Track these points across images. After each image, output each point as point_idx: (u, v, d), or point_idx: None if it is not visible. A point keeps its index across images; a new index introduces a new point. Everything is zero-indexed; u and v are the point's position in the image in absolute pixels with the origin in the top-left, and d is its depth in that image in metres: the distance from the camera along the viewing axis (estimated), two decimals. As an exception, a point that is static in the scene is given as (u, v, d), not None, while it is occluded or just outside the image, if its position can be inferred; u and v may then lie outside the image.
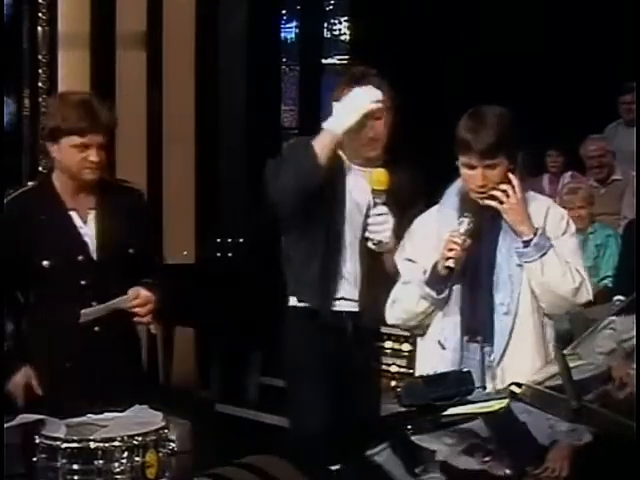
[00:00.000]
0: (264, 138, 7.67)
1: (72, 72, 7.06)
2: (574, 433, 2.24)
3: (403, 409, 2.49)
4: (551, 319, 3.07)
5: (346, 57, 9.09)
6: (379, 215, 3.26)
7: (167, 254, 7.47)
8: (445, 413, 2.43)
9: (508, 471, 2.14)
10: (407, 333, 7.28)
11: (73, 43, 7.13)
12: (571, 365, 2.36)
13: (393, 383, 6.42)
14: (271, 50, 8.48)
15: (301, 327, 3.46)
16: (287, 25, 9.10)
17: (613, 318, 2.74)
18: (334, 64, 9.14)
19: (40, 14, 6.87)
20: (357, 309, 3.42)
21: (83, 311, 2.99)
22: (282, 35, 8.96)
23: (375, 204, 3.28)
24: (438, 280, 2.95)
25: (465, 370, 2.63)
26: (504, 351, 2.93)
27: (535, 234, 2.93)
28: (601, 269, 5.60)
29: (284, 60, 8.92)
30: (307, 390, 3.42)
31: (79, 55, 7.17)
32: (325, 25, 9.36)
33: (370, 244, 3.29)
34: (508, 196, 2.94)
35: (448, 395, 2.48)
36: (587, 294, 3.02)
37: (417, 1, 8.01)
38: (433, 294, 2.97)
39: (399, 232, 3.21)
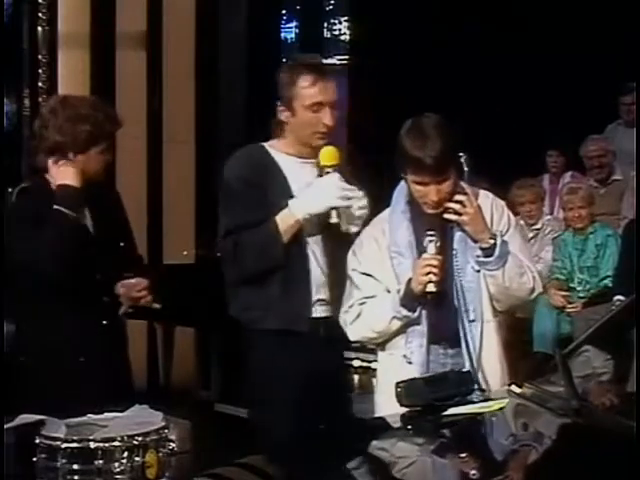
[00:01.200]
0: (264, 138, 7.66)
1: (72, 72, 7.06)
2: (574, 433, 2.23)
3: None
4: (504, 316, 3.05)
5: (346, 57, 9.09)
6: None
7: (167, 254, 7.53)
8: (445, 413, 2.43)
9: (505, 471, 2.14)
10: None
11: (73, 43, 7.13)
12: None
13: (374, 381, 6.41)
14: (271, 50, 8.48)
15: (275, 348, 3.29)
16: (287, 25, 9.11)
17: (588, 347, 2.73)
18: (334, 64, 9.14)
19: (40, 14, 6.88)
20: (329, 313, 3.28)
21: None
22: (282, 35, 8.97)
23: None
24: (414, 300, 2.89)
25: (465, 370, 2.63)
26: (478, 358, 2.89)
27: (495, 242, 2.89)
28: (601, 269, 5.60)
29: (284, 60, 8.92)
30: (285, 405, 3.26)
31: (79, 55, 7.17)
32: (325, 25, 9.36)
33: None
34: (465, 206, 2.89)
35: (448, 395, 2.49)
36: (538, 288, 3.01)
37: (417, 1, 8.01)
38: (410, 314, 2.90)
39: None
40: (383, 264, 2.96)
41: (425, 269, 2.85)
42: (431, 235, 2.87)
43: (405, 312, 2.90)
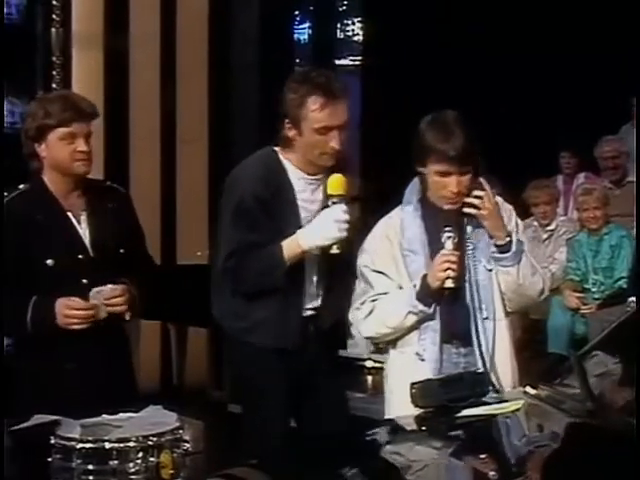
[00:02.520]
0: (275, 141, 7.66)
1: (86, 73, 7.08)
2: (588, 434, 2.23)
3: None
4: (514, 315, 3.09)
5: (359, 58, 9.08)
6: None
7: (181, 255, 7.54)
8: (459, 414, 2.43)
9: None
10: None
11: (87, 44, 7.15)
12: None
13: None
14: (284, 51, 8.48)
15: (264, 361, 3.30)
16: (300, 26, 9.10)
17: (598, 352, 2.72)
18: (347, 65, 9.13)
19: (54, 15, 6.90)
20: (318, 320, 3.29)
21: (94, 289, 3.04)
22: (295, 36, 8.97)
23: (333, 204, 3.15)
24: (431, 295, 2.90)
25: (479, 371, 2.62)
26: (492, 357, 2.89)
27: (511, 238, 2.92)
28: (616, 270, 5.58)
29: (297, 61, 8.92)
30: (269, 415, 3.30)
31: (93, 56, 7.19)
32: (338, 26, 9.36)
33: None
34: (484, 201, 2.92)
35: (462, 396, 2.48)
36: (547, 290, 3.05)
37: (430, 2, 8.00)
38: (425, 309, 2.90)
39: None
40: (396, 262, 2.97)
41: (444, 265, 2.86)
42: (448, 230, 2.89)
43: (421, 307, 2.90)
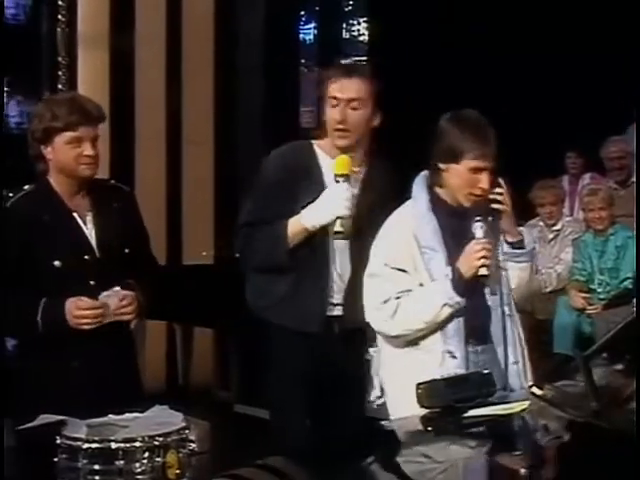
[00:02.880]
0: (283, 139, 7.67)
1: (92, 74, 7.09)
2: (594, 434, 2.22)
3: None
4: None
5: (365, 57, 9.08)
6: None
7: (186, 255, 7.55)
8: (466, 415, 2.42)
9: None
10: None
11: (92, 45, 7.16)
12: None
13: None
14: (290, 51, 8.49)
15: (284, 343, 3.32)
16: (306, 26, 9.11)
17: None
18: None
19: (60, 16, 6.91)
20: (342, 312, 3.30)
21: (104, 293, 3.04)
22: (301, 36, 8.97)
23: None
24: (465, 286, 2.90)
25: (486, 372, 2.62)
26: (514, 353, 2.95)
27: (522, 236, 2.98)
28: (621, 270, 5.57)
29: (303, 61, 8.92)
30: (290, 399, 3.31)
31: (99, 56, 7.20)
32: (344, 26, 9.36)
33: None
34: (504, 199, 2.97)
35: (469, 397, 2.48)
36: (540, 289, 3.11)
37: (436, 2, 8.00)
38: (461, 301, 2.90)
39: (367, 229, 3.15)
40: (414, 259, 2.97)
41: (478, 253, 2.88)
42: (478, 220, 2.92)
43: (457, 298, 2.89)
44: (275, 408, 3.45)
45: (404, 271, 2.98)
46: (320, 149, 3.34)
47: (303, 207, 3.24)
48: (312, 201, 3.23)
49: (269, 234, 3.25)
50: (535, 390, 2.52)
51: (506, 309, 2.95)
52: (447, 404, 2.45)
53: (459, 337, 2.92)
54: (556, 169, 7.04)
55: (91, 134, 3.09)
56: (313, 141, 3.38)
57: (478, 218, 2.91)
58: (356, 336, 3.25)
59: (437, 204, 3.00)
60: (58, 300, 3.01)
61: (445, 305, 2.91)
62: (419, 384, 2.53)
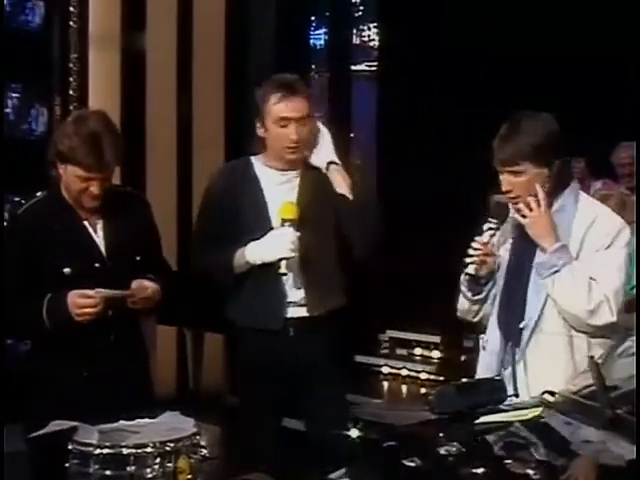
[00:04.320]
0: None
1: (103, 80, 7.11)
2: (607, 442, 2.21)
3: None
4: (583, 333, 2.95)
5: (375, 63, 9.08)
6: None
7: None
8: (477, 421, 2.41)
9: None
10: (437, 340, 7.31)
11: (104, 50, 7.18)
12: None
13: (422, 390, 6.41)
14: (300, 56, 8.49)
15: (251, 344, 3.53)
16: (316, 31, 9.11)
17: (629, 344, 2.67)
18: (363, 70, 9.13)
19: (71, 22, 6.93)
20: (305, 313, 3.46)
21: (97, 290, 3.03)
22: (311, 41, 8.97)
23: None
24: (471, 282, 3.02)
25: (497, 378, 2.61)
26: (520, 363, 2.94)
27: (549, 251, 2.89)
28: (633, 277, 5.54)
29: (313, 66, 8.93)
30: (258, 399, 3.49)
31: (110, 62, 7.22)
32: (354, 31, 9.35)
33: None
34: (531, 209, 2.90)
35: (480, 403, 2.47)
36: (608, 316, 2.89)
37: (446, 7, 7.99)
38: (469, 295, 3.05)
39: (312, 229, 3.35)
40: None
41: (470, 251, 2.97)
42: (490, 222, 2.97)
43: (465, 291, 3.06)
44: (244, 406, 3.62)
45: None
46: (257, 161, 3.53)
47: (245, 218, 3.43)
48: (252, 210, 3.44)
49: (215, 262, 3.47)
50: (546, 396, 2.51)
51: (525, 320, 2.93)
52: (458, 410, 2.44)
53: (493, 332, 3.01)
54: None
55: (100, 176, 3.09)
56: (251, 157, 3.56)
57: (491, 220, 2.98)
58: (317, 334, 3.45)
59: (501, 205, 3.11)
60: (61, 295, 3.02)
61: (462, 297, 3.10)
62: (430, 391, 2.53)
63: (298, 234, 3.35)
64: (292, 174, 3.49)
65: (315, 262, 3.43)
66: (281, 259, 3.34)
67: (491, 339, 3.01)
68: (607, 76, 7.31)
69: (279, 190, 3.45)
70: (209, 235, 3.49)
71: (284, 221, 3.36)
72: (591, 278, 2.88)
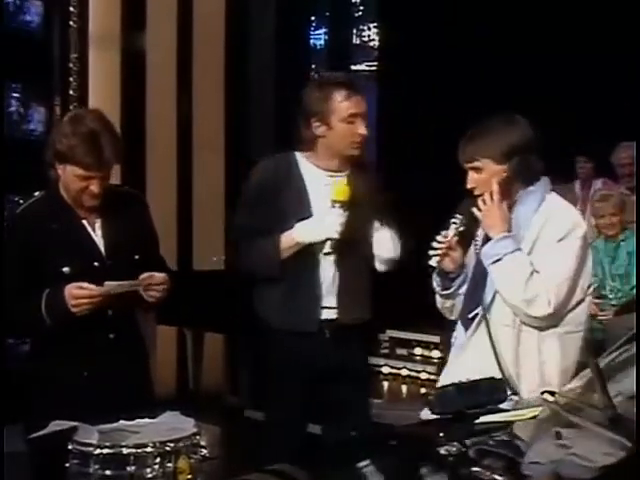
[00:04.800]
0: (293, 144, 7.67)
1: (103, 80, 7.11)
2: (608, 442, 2.21)
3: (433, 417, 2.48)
4: (532, 328, 2.96)
5: (375, 63, 9.08)
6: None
7: (197, 260, 7.55)
8: (477, 421, 2.42)
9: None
10: (437, 340, 7.31)
11: (103, 50, 7.18)
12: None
13: (423, 390, 6.41)
14: (300, 56, 8.50)
15: (281, 346, 3.49)
16: (316, 31, 9.11)
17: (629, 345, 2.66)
18: (363, 70, 9.13)
19: (71, 22, 6.94)
20: (335, 315, 3.46)
21: (106, 283, 3.01)
22: (311, 41, 8.98)
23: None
24: (440, 276, 3.13)
25: (498, 378, 2.62)
26: (507, 362, 2.94)
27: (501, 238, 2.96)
28: (633, 276, 5.56)
29: (313, 66, 8.93)
30: (287, 401, 3.48)
31: (110, 62, 7.22)
32: (354, 31, 9.36)
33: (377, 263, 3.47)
34: (485, 202, 2.99)
35: (480, 403, 2.47)
36: (545, 307, 2.88)
37: (446, 7, 7.99)
38: (438, 290, 3.16)
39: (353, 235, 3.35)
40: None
41: (433, 244, 3.05)
42: (456, 218, 3.05)
43: (435, 285, 3.18)
44: (273, 409, 3.59)
45: None
46: (305, 159, 3.50)
47: (287, 217, 3.40)
48: (295, 210, 3.41)
49: (263, 247, 3.42)
50: (547, 396, 2.51)
51: (474, 311, 3.01)
52: (458, 410, 2.45)
53: (460, 327, 3.09)
54: (568, 174, 7.02)
55: (100, 174, 3.08)
56: (297, 152, 3.52)
57: (457, 216, 3.05)
58: (350, 337, 3.46)
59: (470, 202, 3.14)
60: (59, 289, 3.02)
61: (435, 291, 3.20)
62: (429, 391, 2.54)
63: (347, 215, 3.34)
64: (339, 176, 3.46)
65: (350, 268, 3.45)
66: (327, 239, 3.35)
67: (459, 335, 3.07)
68: (607, 76, 7.31)
69: (325, 192, 3.41)
70: (250, 228, 3.46)
71: (335, 202, 3.34)
72: (535, 270, 2.91)
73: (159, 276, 3.12)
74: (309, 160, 3.48)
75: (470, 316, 3.01)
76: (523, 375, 2.92)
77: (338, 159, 3.45)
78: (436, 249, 3.04)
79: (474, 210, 3.03)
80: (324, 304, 3.44)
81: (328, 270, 3.43)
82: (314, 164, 3.47)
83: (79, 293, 2.99)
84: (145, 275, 3.09)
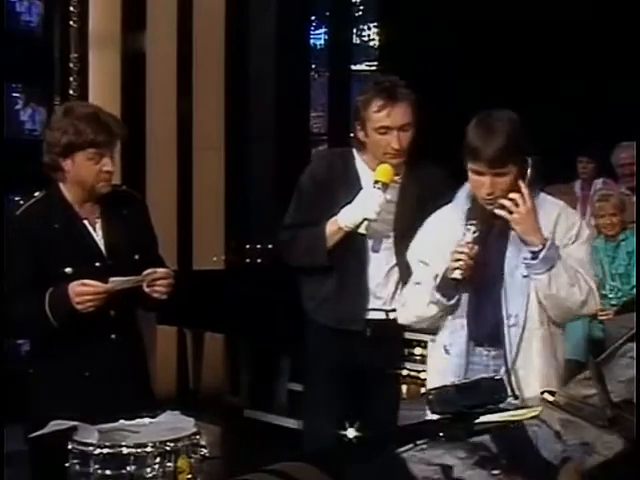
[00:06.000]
0: (293, 144, 7.69)
1: (103, 80, 7.11)
2: (608, 442, 2.21)
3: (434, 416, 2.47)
4: (559, 328, 3.03)
5: (375, 63, 9.09)
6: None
7: (197, 260, 7.56)
8: (477, 421, 2.41)
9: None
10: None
11: (104, 50, 7.19)
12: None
13: (423, 390, 6.40)
14: (300, 56, 8.50)
15: (324, 340, 3.50)
16: (316, 31, 9.12)
17: (630, 345, 2.67)
18: (363, 70, 9.14)
19: (71, 22, 6.94)
20: (384, 316, 3.46)
21: (111, 279, 3.01)
22: (311, 41, 8.98)
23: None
24: (448, 286, 2.93)
25: (497, 378, 2.61)
26: (513, 362, 2.91)
27: (544, 245, 2.88)
28: (633, 276, 5.56)
29: (313, 66, 8.93)
30: (326, 398, 3.47)
31: (110, 62, 7.22)
32: (354, 31, 9.36)
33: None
34: (517, 205, 2.89)
35: (480, 403, 2.47)
36: (595, 304, 2.98)
37: (446, 6, 8.00)
38: (443, 300, 2.95)
39: (410, 232, 3.22)
40: (441, 254, 2.98)
41: (455, 255, 2.88)
42: (471, 224, 2.91)
43: (439, 296, 2.94)
44: (312, 405, 3.58)
45: (426, 263, 3.05)
46: (360, 159, 3.49)
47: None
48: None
49: (310, 235, 3.42)
50: (546, 396, 2.51)
51: (512, 320, 2.91)
52: (458, 410, 2.44)
53: (459, 335, 2.96)
54: (568, 174, 7.03)
55: (112, 150, 3.11)
56: (354, 150, 3.51)
57: (472, 222, 2.91)
58: (392, 337, 3.46)
59: (476, 206, 2.99)
60: (62, 287, 3.02)
61: (430, 302, 2.97)
62: (429, 390, 2.52)
63: (387, 197, 3.33)
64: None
65: (400, 270, 3.41)
66: (365, 219, 3.31)
67: (456, 343, 2.96)
68: (607, 76, 7.31)
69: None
70: (302, 222, 3.46)
71: (377, 182, 3.33)
72: (577, 271, 2.93)
73: (162, 271, 3.12)
74: (362, 158, 3.48)
75: (511, 323, 2.91)
76: (545, 375, 2.94)
77: (380, 163, 3.42)
78: (459, 260, 2.87)
79: (501, 214, 2.92)
80: (371, 302, 3.45)
81: (376, 267, 3.43)
82: (365, 163, 3.47)
83: (83, 290, 3.00)
84: (149, 270, 3.09)
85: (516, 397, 2.73)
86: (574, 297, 2.92)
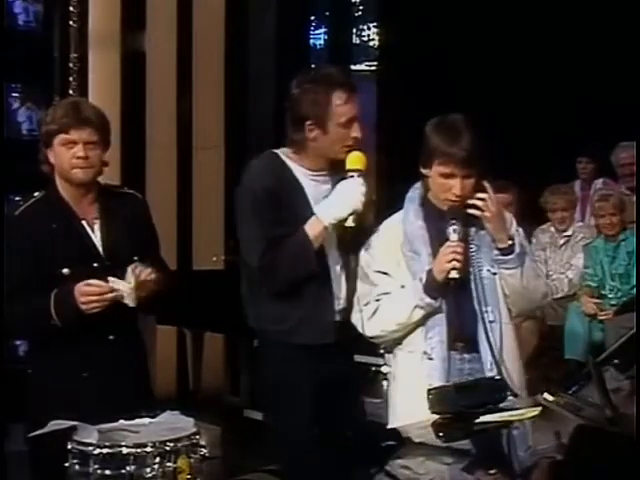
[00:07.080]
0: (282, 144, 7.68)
1: (102, 80, 7.12)
2: (607, 442, 2.21)
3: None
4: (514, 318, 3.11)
5: (375, 63, 9.09)
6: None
7: (197, 260, 7.56)
8: (476, 421, 2.42)
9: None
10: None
11: (103, 51, 7.19)
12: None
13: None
14: (300, 56, 8.50)
15: (296, 359, 3.30)
16: (316, 31, 9.12)
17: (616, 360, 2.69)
18: (363, 70, 9.14)
19: (71, 22, 6.94)
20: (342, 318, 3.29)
21: (110, 279, 3.02)
22: (311, 41, 8.98)
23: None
24: (436, 288, 2.93)
25: (497, 378, 2.62)
26: (500, 359, 2.93)
27: (513, 241, 2.96)
28: (632, 276, 5.56)
29: (313, 66, 8.93)
30: (301, 418, 3.30)
31: (109, 63, 7.23)
32: (354, 31, 9.36)
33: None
34: (487, 204, 2.95)
35: (479, 403, 2.47)
36: (550, 294, 3.20)
37: (446, 6, 8.00)
38: (432, 302, 2.93)
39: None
40: (398, 262, 3.01)
41: (449, 255, 2.90)
42: (454, 223, 2.93)
43: (428, 300, 2.93)
44: (282, 416, 3.41)
45: (386, 274, 3.03)
46: (290, 160, 3.29)
47: (297, 219, 3.20)
48: (299, 212, 3.21)
49: (292, 246, 3.19)
50: (546, 396, 2.51)
51: (490, 316, 2.93)
52: (457, 410, 2.45)
53: (439, 339, 2.95)
54: (568, 174, 7.03)
55: (83, 137, 3.10)
56: (277, 152, 3.31)
57: (453, 221, 2.94)
58: (352, 342, 3.31)
59: (427, 208, 3.03)
60: (68, 287, 3.03)
61: (417, 307, 2.95)
62: (430, 390, 2.52)
63: (366, 185, 3.15)
64: (322, 175, 3.29)
65: (353, 274, 3.25)
66: (353, 211, 3.13)
67: (437, 346, 2.95)
68: (607, 76, 7.31)
69: (314, 191, 3.26)
70: (271, 237, 3.19)
71: (351, 171, 3.16)
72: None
73: (146, 270, 3.10)
74: (292, 160, 3.28)
75: (491, 318, 2.94)
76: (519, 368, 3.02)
77: (325, 161, 3.26)
78: (453, 260, 2.89)
79: (477, 213, 2.96)
80: (336, 313, 3.27)
81: (336, 276, 3.26)
82: (298, 164, 3.27)
83: (89, 290, 3.00)
84: (131, 267, 3.07)
85: (515, 395, 2.74)
86: (540, 289, 3.06)
